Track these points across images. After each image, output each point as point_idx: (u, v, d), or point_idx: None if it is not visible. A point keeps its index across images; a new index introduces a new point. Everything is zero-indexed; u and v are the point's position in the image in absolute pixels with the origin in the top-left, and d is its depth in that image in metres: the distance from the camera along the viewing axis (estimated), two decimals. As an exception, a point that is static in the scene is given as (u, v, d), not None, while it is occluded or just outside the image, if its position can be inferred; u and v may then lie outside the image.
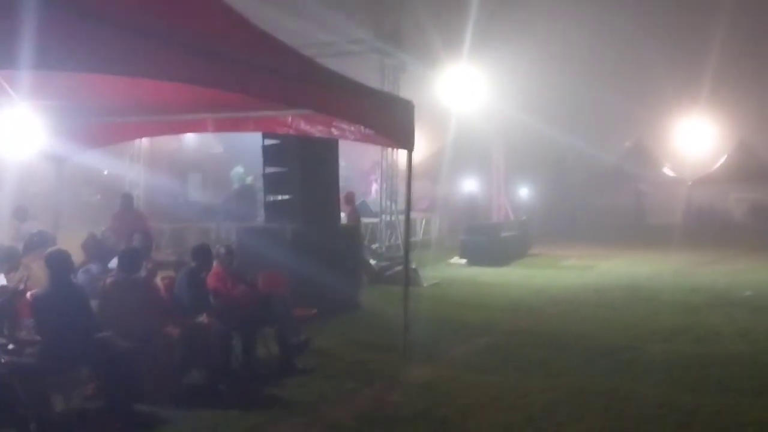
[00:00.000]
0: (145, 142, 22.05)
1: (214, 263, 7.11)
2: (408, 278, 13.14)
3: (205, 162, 24.43)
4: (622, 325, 9.36)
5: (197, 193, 21.14)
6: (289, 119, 7.76)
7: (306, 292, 8.90)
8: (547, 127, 28.51)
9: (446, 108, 21.27)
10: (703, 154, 38.18)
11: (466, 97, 20.46)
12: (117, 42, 3.82)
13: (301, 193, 9.86)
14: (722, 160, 36.21)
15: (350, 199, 13.62)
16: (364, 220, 17.17)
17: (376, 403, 6.14)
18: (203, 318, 6.32)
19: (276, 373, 6.88)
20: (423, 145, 32.05)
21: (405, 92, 23.64)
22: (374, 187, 21.95)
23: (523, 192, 32.07)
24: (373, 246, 16.20)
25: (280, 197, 10.27)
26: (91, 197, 23.40)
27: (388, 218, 16.10)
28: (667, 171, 37.68)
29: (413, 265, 14.03)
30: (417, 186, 28.84)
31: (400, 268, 13.42)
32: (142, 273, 6.57)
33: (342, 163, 21.03)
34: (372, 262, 14.18)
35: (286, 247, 9.71)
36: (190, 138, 24.86)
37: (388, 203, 16.12)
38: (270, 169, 10.23)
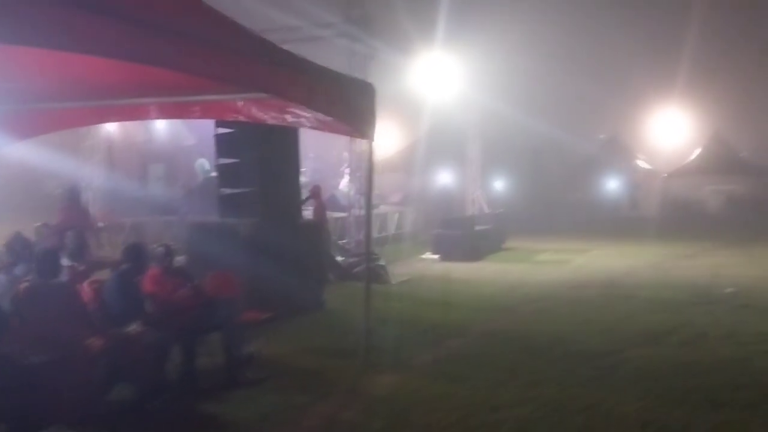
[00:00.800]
0: (112, 132, 21.15)
1: (152, 264, 6.36)
2: (373, 276, 12.59)
3: (176, 154, 23.50)
4: (600, 327, 8.75)
5: (158, 186, 20.23)
6: (240, 104, 6.99)
7: (263, 294, 8.24)
8: (524, 118, 28.12)
9: (421, 99, 20.62)
10: (678, 146, 38.17)
11: (440, 86, 19.80)
12: (44, 10, 3.12)
13: (258, 187, 9.10)
14: (697, 152, 36.17)
15: (317, 192, 12.90)
16: (334, 214, 16.47)
17: (327, 422, 5.45)
18: (134, 327, 5.57)
19: (219, 386, 6.16)
20: (396, 137, 31.61)
21: (376, 82, 23.04)
22: (345, 179, 21.21)
23: (499, 184, 31.64)
24: (342, 241, 15.48)
25: (235, 191, 9.49)
26: (55, 190, 22.42)
27: (358, 212, 15.37)
28: (642, 163, 37.57)
29: (381, 262, 13.39)
30: (390, 179, 28.58)
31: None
32: (65, 277, 5.80)
33: (311, 155, 20.47)
34: (339, 258, 13.48)
35: (241, 245, 8.97)
36: (161, 129, 23.92)
37: (358, 197, 15.39)
38: (224, 161, 9.47)
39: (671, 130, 38.37)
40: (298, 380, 6.50)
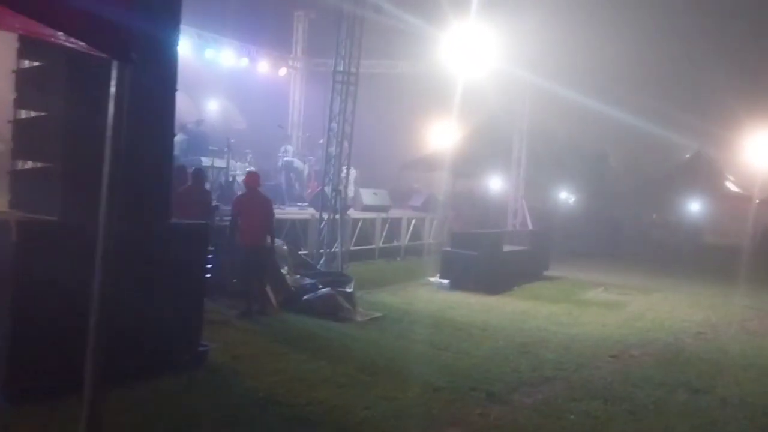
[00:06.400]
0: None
1: None
2: (328, 308, 8.83)
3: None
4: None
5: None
6: None
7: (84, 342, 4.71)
8: (594, 120, 23.56)
9: (453, 81, 16.68)
10: (775, 170, 33.01)
11: (476, 65, 15.79)
12: None
13: (72, 160, 5.38)
14: (798, 177, 30.95)
15: (251, 182, 9.21)
16: (284, 214, 12.82)
17: None
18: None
19: None
20: (444, 131, 27.52)
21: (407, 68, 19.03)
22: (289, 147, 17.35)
23: (563, 196, 27.23)
24: (301, 252, 11.70)
25: (32, 164, 5.84)
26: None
27: (331, 216, 11.63)
28: (732, 186, 32.61)
29: (350, 287, 9.62)
30: (409, 178, 24.62)
31: (326, 291, 9.00)
32: None
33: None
34: (289, 277, 9.73)
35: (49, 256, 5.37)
36: (213, 111, 20.96)
37: (333, 194, 11.64)
38: (24, 113, 5.86)
39: (766, 152, 33.13)
40: None
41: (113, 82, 2.84)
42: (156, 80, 5.88)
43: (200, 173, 9.81)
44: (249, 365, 6.49)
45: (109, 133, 2.89)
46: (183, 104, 19.37)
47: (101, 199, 3.07)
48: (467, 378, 6.79)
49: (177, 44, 6.10)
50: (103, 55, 2.88)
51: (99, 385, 3.07)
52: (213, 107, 20.65)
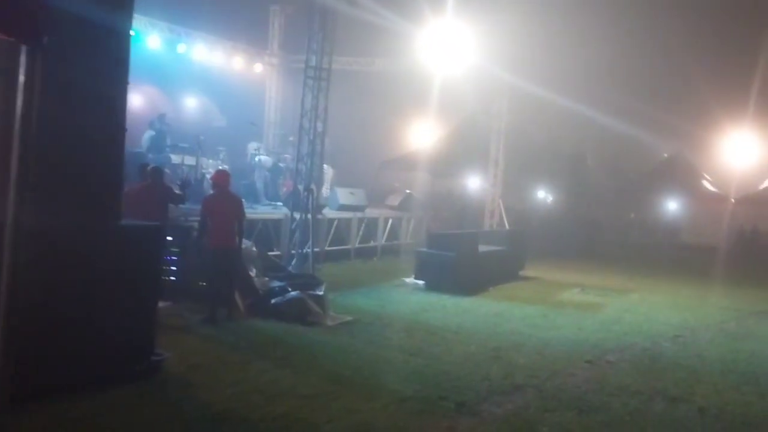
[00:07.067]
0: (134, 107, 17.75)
1: None
2: (298, 311, 8.53)
3: (205, 134, 19.95)
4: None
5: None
6: None
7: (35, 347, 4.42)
8: (571, 120, 23.43)
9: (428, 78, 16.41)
10: (750, 170, 33.22)
11: (453, 63, 15.53)
12: None
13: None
14: (772, 178, 31.21)
15: (220, 181, 8.86)
16: (256, 214, 12.50)
17: None
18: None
19: None
20: (424, 130, 27.18)
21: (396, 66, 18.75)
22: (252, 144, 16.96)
23: (541, 195, 27.10)
24: (272, 253, 11.37)
25: None
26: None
27: (303, 216, 11.30)
28: (708, 185, 32.82)
29: (320, 290, 9.31)
30: (388, 177, 24.31)
31: (294, 294, 8.69)
32: None
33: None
34: (255, 279, 9.39)
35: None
36: (191, 108, 20.40)
37: (305, 194, 11.31)
38: None
39: (742, 153, 33.35)
40: None
41: (21, 69, 2.50)
42: (102, 71, 5.53)
43: (158, 170, 9.35)
44: (206, 376, 6.16)
45: (17, 125, 2.55)
46: (158, 100, 18.99)
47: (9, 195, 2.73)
48: (436, 386, 6.50)
49: (128, 33, 5.75)
50: (9, 38, 2.55)
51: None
52: (191, 104, 20.22)
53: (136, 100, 18.80)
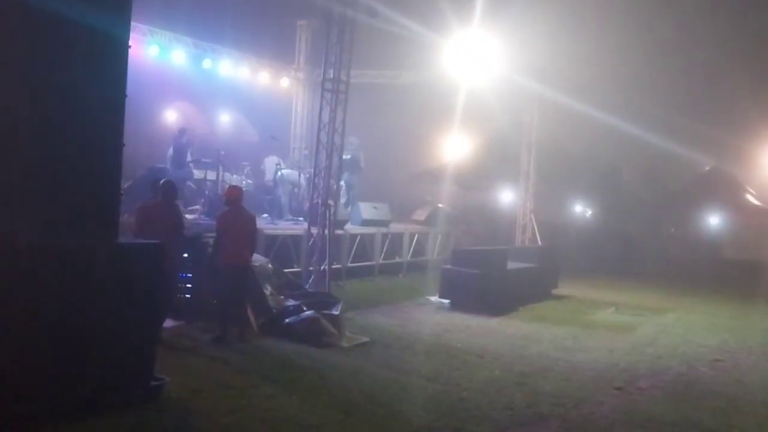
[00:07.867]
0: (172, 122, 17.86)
1: None
2: (311, 332, 8.20)
3: (238, 149, 19.86)
4: None
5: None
6: None
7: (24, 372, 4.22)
8: (608, 132, 22.76)
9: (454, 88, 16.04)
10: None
11: (481, 74, 15.14)
12: None
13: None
14: (823, 191, 29.92)
15: (232, 197, 8.60)
16: (275, 230, 12.22)
17: None
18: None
19: None
20: (457, 142, 26.67)
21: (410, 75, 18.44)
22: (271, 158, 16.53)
23: (579, 210, 26.43)
24: (290, 270, 11.05)
25: None
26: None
27: (321, 231, 10.98)
28: (752, 199, 31.65)
29: (336, 310, 8.97)
30: (419, 190, 23.89)
31: (309, 314, 8.36)
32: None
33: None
34: (270, 297, 9.09)
35: None
36: (224, 123, 20.43)
37: (322, 209, 11.00)
38: None
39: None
40: None
41: None
42: (100, 84, 5.31)
43: (168, 185, 8.29)
44: (207, 401, 5.86)
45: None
46: (192, 116, 18.97)
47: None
48: (452, 416, 6.10)
49: (127, 43, 5.53)
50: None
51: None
52: (224, 119, 20.18)
53: (171, 116, 18.89)
